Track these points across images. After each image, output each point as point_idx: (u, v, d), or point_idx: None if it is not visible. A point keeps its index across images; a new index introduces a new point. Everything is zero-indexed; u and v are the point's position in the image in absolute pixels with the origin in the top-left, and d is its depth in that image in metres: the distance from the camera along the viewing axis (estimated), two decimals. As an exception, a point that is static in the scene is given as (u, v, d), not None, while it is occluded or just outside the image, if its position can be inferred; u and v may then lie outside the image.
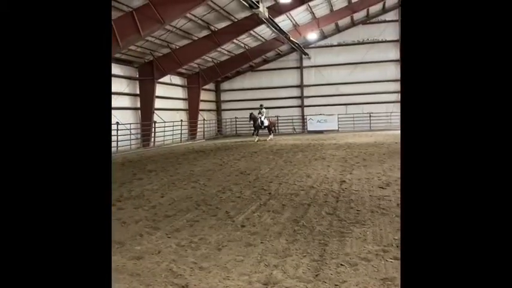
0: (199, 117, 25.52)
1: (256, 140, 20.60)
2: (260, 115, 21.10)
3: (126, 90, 18.96)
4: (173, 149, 17.90)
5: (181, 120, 23.09)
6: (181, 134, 22.94)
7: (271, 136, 22.14)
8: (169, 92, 22.85)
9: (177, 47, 19.55)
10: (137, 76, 19.80)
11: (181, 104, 24.64)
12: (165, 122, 20.88)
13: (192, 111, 25.11)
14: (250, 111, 22.37)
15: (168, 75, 21.33)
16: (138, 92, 19.78)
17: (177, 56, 19.52)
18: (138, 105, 19.81)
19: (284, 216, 5.37)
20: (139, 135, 19.67)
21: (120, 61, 18.30)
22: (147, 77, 19.63)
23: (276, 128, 25.04)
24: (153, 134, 19.94)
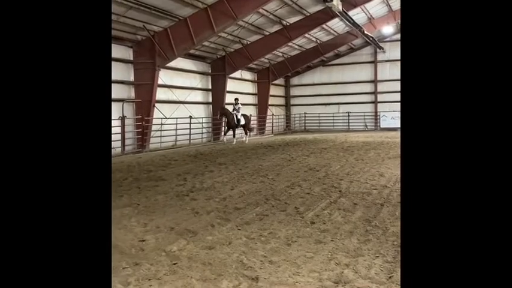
0: (268, 112, 25.68)
1: (234, 143, 17.02)
2: (235, 111, 17.39)
3: (199, 85, 19.62)
4: (242, 143, 18.20)
5: (251, 115, 23.39)
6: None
7: (246, 137, 18.46)
8: (240, 86, 23.25)
9: (249, 43, 19.80)
10: (209, 71, 20.38)
11: (250, 99, 24.97)
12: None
13: (261, 106, 25.34)
14: (320, 106, 21.61)
15: (239, 70, 21.70)
16: (210, 87, 20.37)
17: (248, 51, 19.77)
18: (210, 99, 20.41)
19: (355, 215, 5.21)
20: (210, 129, 20.27)
21: (194, 57, 18.95)
22: (219, 72, 20.14)
23: (250, 127, 19.46)
24: (223, 127, 20.44)
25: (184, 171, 9.23)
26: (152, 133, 15.53)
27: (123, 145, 13.83)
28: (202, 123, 19.15)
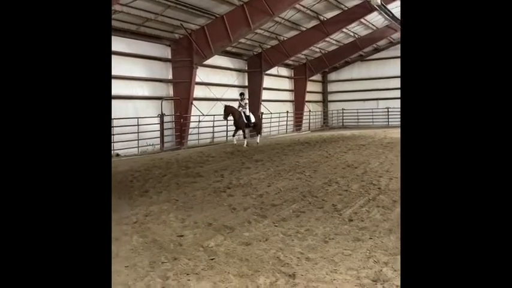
0: (305, 109, 25.48)
1: (245, 145, 14.34)
2: (241, 108, 14.92)
3: (236, 83, 19.74)
4: (279, 140, 18.16)
5: (287, 112, 23.31)
6: (286, 125, 23.17)
7: (258, 137, 15.78)
8: (276, 83, 23.19)
9: (285, 39, 19.69)
10: (246, 68, 20.46)
11: (287, 96, 24.86)
12: (271, 113, 21.27)
13: (298, 103, 25.16)
14: (359, 101, 20.95)
15: (275, 67, 21.64)
16: (246, 84, 20.45)
17: (285, 47, 19.67)
18: (247, 96, 20.48)
19: (395, 212, 5.06)
20: (247, 126, 20.35)
21: (230, 54, 19.08)
22: (255, 69, 20.17)
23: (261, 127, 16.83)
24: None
25: (222, 168, 9.32)
26: (190, 130, 15.79)
27: (162, 142, 14.15)
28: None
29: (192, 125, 15.82)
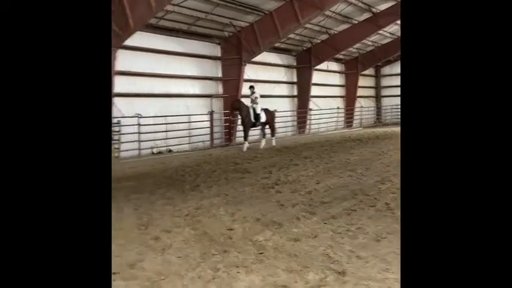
0: (357, 104, 24.88)
1: (244, 150, 12.34)
2: (252, 103, 12.87)
3: (284, 79, 19.66)
4: (328, 136, 17.90)
5: (338, 108, 22.89)
6: (337, 121, 22.76)
7: (273, 139, 13.62)
8: (326, 78, 22.82)
9: (336, 32, 19.31)
10: (295, 64, 20.32)
11: (337, 91, 24.39)
12: (320, 109, 21.00)
13: (349, 98, 24.59)
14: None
15: (325, 62, 21.29)
16: (295, 80, 20.32)
17: (335, 41, 19.29)
18: (295, 92, 20.36)
19: (452, 212, 4.82)
20: (295, 122, 20.25)
21: (279, 50, 19.03)
22: (304, 64, 19.97)
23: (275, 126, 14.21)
24: (308, 121, 20.29)
25: (270, 164, 9.34)
26: (238, 127, 15.96)
27: (212, 139, 14.42)
28: (287, 116, 19.21)
29: (240, 122, 15.97)
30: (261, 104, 13.11)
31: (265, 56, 17.46)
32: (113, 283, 3.13)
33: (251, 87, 13.19)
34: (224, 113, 15.37)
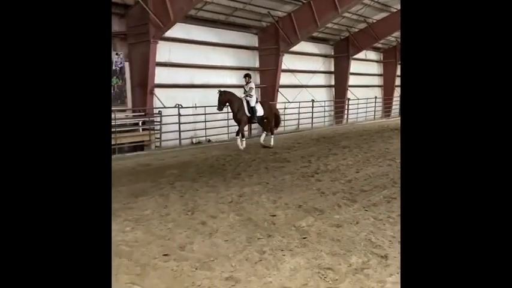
0: (395, 94, 24.34)
1: (242, 147, 10.41)
2: (245, 95, 10.56)
3: (322, 68, 19.53)
4: (366, 126, 17.68)
5: (376, 97, 22.50)
6: (375, 111, 22.39)
7: (272, 138, 11.04)
8: (364, 68, 22.44)
9: (374, 21, 18.93)
10: (332, 53, 20.12)
11: (375, 80, 23.95)
12: (358, 98, 20.74)
13: (387, 88, 24.09)
14: None
15: (363, 51, 20.93)
16: (333, 70, 20.13)
17: (374, 30, 18.92)
18: (333, 82, 20.19)
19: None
20: (332, 112, 20.11)
21: (316, 40, 18.88)
22: (342, 53, 19.74)
23: (279, 121, 11.87)
24: (346, 111, 20.09)
25: (308, 154, 9.41)
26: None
27: (250, 129, 14.63)
28: (324, 106, 19.12)
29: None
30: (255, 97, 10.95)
31: (302, 46, 17.40)
32: (166, 263, 3.39)
33: (247, 75, 10.87)
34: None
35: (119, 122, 10.63)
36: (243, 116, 10.42)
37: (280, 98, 16.18)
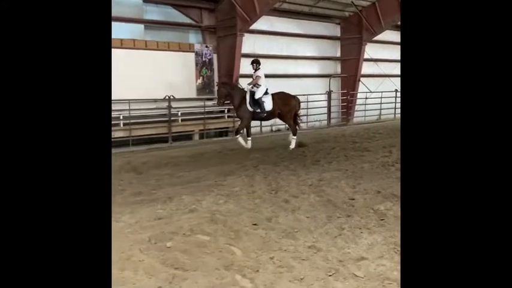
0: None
1: (247, 146, 8.81)
2: (251, 85, 8.82)
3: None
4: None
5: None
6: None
7: (293, 137, 8.99)
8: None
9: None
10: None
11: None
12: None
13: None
14: None
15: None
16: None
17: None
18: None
19: None
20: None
21: (400, 28, 18.24)
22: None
23: (298, 119, 9.40)
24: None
25: (390, 144, 9.38)
26: (356, 107, 15.98)
27: (329, 118, 14.76)
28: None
29: (358, 101, 15.97)
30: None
31: (385, 35, 16.96)
32: (256, 231, 3.86)
33: (254, 61, 9.05)
34: (342, 92, 15.56)
35: (207, 109, 11.46)
36: (244, 113, 8.75)
37: (361, 88, 16.05)
